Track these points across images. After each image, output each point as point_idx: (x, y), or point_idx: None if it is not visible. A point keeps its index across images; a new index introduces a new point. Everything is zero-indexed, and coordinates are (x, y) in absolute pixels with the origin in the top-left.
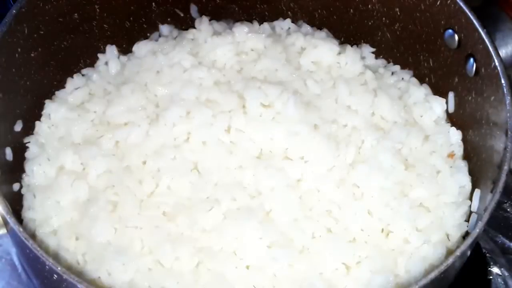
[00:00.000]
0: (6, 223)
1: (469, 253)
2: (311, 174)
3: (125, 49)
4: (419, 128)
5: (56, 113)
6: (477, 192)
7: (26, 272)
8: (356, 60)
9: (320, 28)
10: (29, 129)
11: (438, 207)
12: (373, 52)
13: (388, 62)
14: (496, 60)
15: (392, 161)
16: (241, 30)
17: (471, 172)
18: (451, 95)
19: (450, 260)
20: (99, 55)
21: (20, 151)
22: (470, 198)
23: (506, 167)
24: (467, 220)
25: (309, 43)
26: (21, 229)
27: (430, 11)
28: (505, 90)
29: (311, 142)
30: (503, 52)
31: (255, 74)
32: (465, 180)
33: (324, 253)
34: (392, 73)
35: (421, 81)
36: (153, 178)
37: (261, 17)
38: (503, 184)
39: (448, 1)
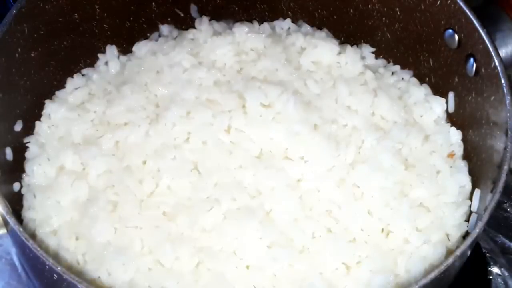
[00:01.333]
0: (6, 223)
1: (469, 253)
2: (311, 174)
3: (125, 49)
4: (419, 128)
5: (56, 113)
6: (477, 192)
7: (26, 272)
8: (356, 60)
9: (320, 28)
10: (29, 129)
11: (438, 207)
12: (373, 52)
13: (388, 62)
14: (496, 60)
15: (392, 161)
16: (241, 30)
17: (471, 172)
18: (451, 95)
19: (450, 260)
20: (99, 55)
21: (20, 151)
22: (470, 198)
23: (506, 167)
24: (467, 220)
25: (309, 43)
26: (21, 229)
27: (430, 11)
28: (505, 90)
29: (311, 142)
30: (503, 52)
31: (255, 74)
32: (465, 180)
33: (324, 253)
34: (392, 73)
35: (421, 81)
36: (153, 178)
37: (261, 17)
38: (503, 184)
39: (448, 1)
